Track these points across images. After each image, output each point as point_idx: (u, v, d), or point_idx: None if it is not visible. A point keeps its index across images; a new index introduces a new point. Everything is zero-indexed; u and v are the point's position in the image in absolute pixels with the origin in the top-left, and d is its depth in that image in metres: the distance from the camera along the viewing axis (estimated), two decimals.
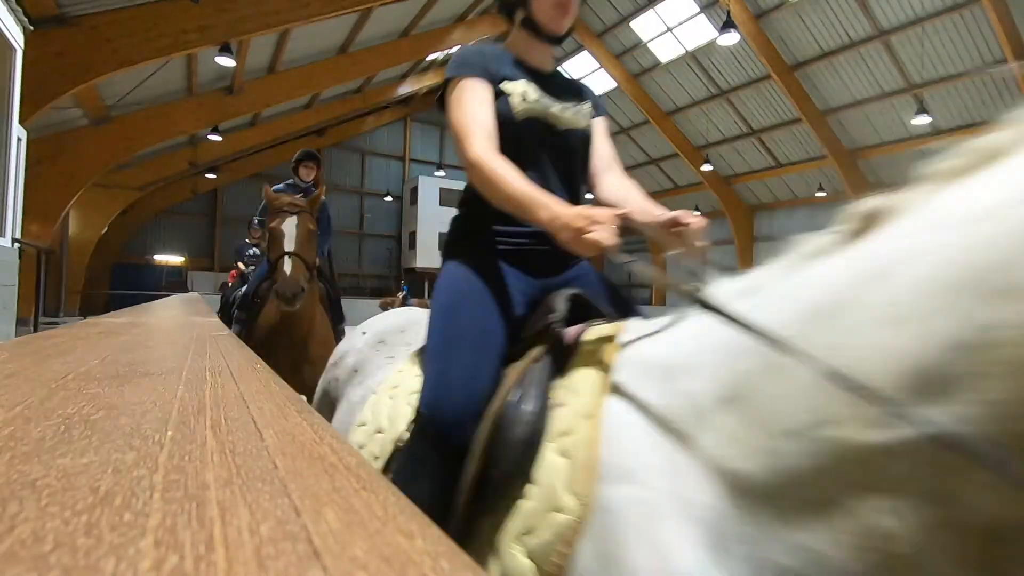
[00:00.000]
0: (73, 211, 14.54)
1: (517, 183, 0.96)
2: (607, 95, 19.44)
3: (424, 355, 1.09)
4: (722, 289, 0.78)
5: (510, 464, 0.81)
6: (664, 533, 0.64)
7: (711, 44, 15.13)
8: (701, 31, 15.42)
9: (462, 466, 0.87)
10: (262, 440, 0.43)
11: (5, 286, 4.41)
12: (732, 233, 20.50)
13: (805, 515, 0.56)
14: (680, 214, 1.00)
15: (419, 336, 1.26)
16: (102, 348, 1.05)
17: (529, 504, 0.78)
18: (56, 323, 10.59)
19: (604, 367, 0.84)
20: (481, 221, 1.17)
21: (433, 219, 22.84)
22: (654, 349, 0.83)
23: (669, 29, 15.91)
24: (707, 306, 0.72)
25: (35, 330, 5.22)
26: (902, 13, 12.80)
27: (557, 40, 1.22)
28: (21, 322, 5.28)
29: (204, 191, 21.23)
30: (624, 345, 0.87)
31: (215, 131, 14.04)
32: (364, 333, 1.55)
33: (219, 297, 8.59)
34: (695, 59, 16.46)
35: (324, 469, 0.36)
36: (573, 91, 1.28)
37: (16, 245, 4.75)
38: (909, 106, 14.24)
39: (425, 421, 0.95)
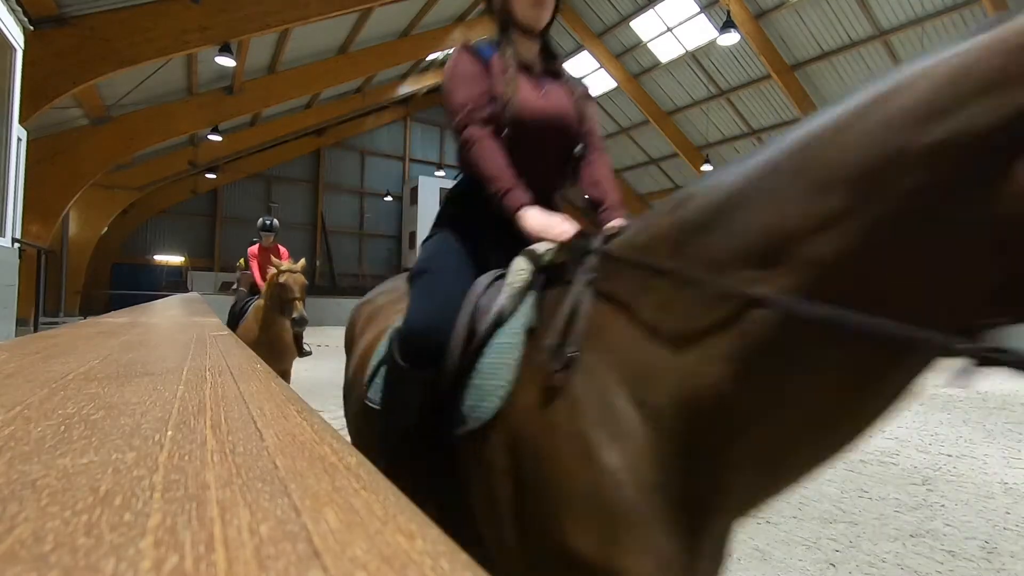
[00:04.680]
0: (73, 211, 14.56)
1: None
2: (607, 95, 19.48)
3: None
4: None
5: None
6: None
7: (711, 44, 15.14)
8: (701, 31, 15.41)
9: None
10: (262, 440, 0.43)
11: (5, 286, 4.41)
12: None
13: None
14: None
15: None
16: (102, 348, 1.05)
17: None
18: (56, 323, 10.59)
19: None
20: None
21: (433, 219, 22.80)
22: None
23: (669, 29, 15.91)
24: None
25: (35, 330, 5.22)
26: (902, 13, 12.80)
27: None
28: (21, 322, 5.28)
29: (204, 191, 21.24)
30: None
31: (215, 131, 14.05)
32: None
33: (220, 297, 8.73)
34: (695, 59, 16.46)
35: (324, 469, 0.36)
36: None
37: (16, 245, 4.76)
38: None
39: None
